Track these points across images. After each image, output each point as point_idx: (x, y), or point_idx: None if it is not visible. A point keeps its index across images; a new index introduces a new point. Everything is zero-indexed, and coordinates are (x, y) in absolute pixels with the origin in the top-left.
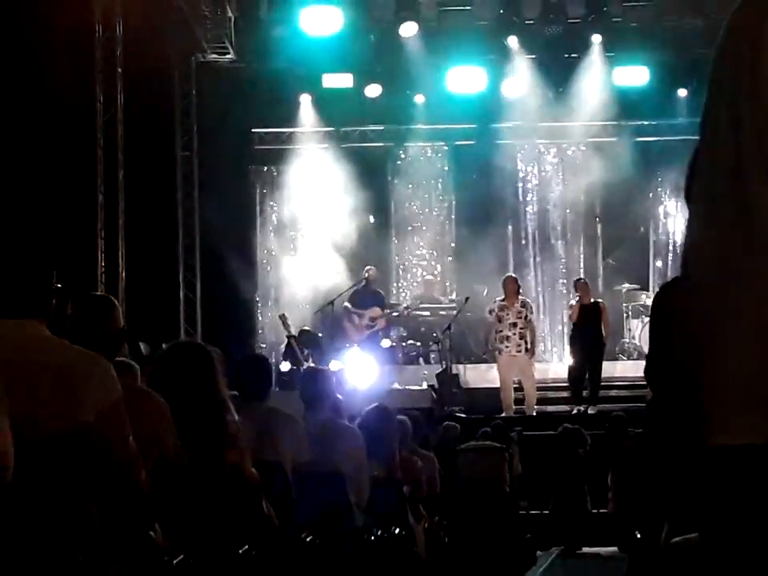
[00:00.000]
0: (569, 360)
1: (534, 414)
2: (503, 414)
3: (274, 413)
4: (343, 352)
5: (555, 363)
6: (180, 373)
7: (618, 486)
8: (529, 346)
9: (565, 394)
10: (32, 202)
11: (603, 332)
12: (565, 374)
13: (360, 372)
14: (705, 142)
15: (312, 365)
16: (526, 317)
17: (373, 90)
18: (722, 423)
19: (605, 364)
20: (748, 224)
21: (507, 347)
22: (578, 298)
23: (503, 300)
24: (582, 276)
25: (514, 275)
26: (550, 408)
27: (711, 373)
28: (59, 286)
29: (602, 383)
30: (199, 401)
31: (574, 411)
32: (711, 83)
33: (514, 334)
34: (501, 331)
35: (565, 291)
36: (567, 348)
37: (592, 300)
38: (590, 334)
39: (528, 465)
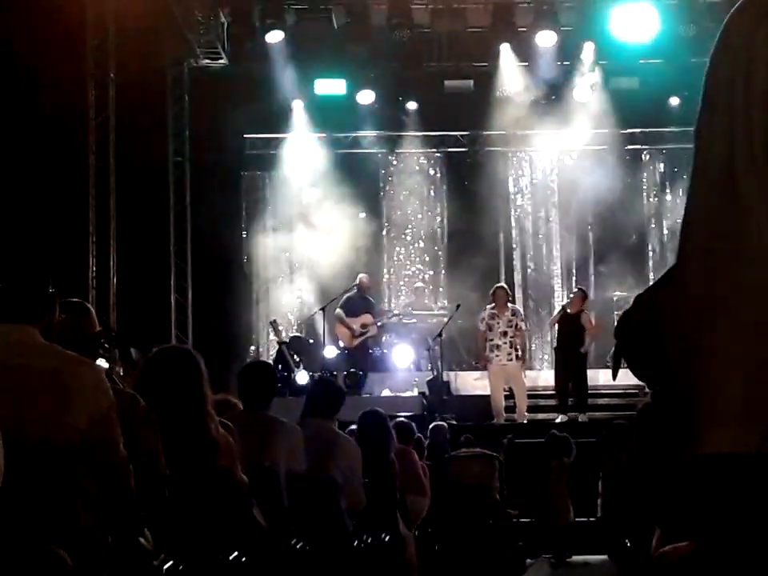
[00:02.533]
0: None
1: (525, 421)
2: (494, 422)
3: (274, 421)
4: (334, 358)
5: (546, 371)
6: (166, 378)
7: (608, 493)
8: (519, 354)
9: (555, 402)
10: (24, 206)
11: (585, 341)
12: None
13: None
14: (699, 151)
15: (303, 371)
16: (517, 325)
17: (365, 97)
18: (712, 431)
19: (595, 372)
20: (738, 224)
21: (498, 356)
22: (562, 307)
23: (493, 308)
24: (576, 284)
25: (504, 285)
26: (541, 416)
27: (701, 378)
28: (50, 291)
29: (591, 391)
30: (186, 406)
31: (558, 420)
32: (706, 88)
33: (505, 342)
34: (491, 340)
35: (557, 299)
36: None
37: (578, 310)
38: (571, 344)
39: (519, 473)
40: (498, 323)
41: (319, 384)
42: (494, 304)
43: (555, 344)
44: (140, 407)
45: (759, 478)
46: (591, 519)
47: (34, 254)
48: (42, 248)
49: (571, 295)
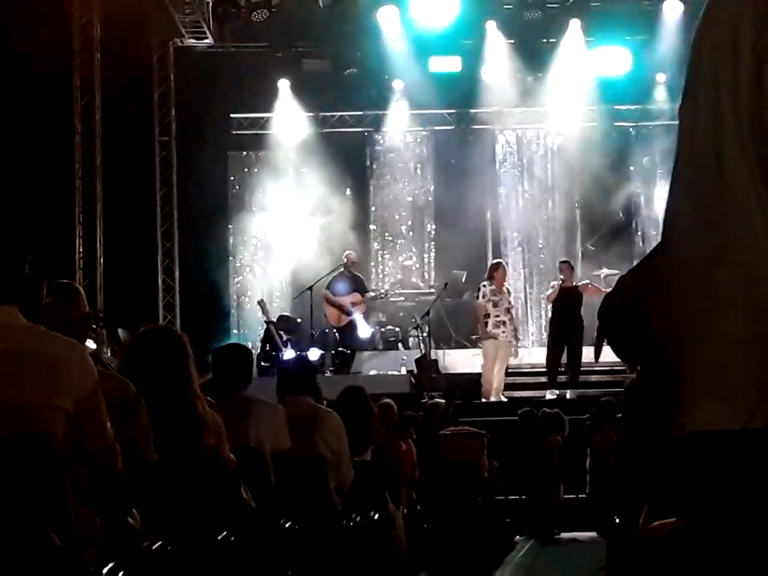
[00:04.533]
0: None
1: (503, 398)
2: (483, 400)
3: (253, 401)
4: (322, 337)
5: (535, 348)
6: (151, 358)
7: (596, 470)
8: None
9: (544, 379)
10: (10, 188)
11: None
12: (544, 359)
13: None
14: (684, 127)
15: (291, 351)
16: (511, 303)
17: (352, 75)
18: (698, 408)
19: (587, 349)
20: (723, 201)
21: (504, 332)
22: (560, 280)
23: (491, 284)
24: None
25: (502, 261)
26: (529, 393)
27: (687, 356)
28: (31, 271)
29: (582, 368)
30: (172, 385)
31: (548, 396)
32: (690, 67)
33: (510, 319)
34: (497, 316)
35: (544, 276)
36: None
37: (574, 283)
38: (569, 318)
39: (507, 450)
40: (501, 299)
41: (289, 361)
42: (491, 280)
43: (551, 317)
44: (130, 393)
45: (745, 455)
46: (581, 496)
47: (8, 233)
48: (29, 229)
49: (561, 275)
